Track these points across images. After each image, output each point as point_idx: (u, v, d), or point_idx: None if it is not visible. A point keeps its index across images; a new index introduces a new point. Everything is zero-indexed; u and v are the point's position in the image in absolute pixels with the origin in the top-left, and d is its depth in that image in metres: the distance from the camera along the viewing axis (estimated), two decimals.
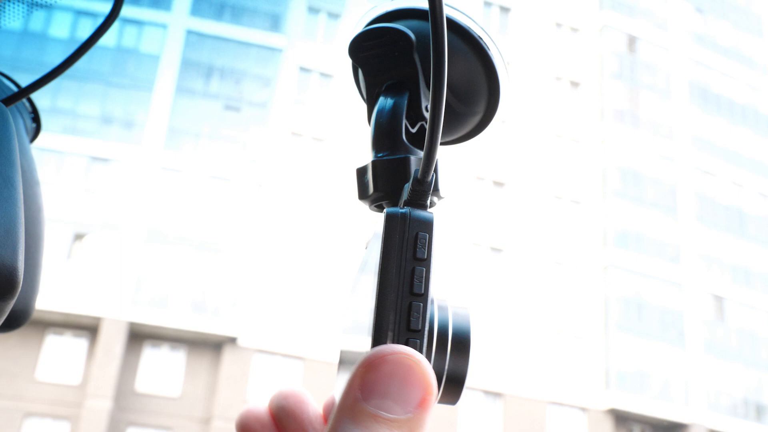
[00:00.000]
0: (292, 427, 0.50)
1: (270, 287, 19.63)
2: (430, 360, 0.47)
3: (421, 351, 0.42)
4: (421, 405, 0.38)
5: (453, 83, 0.58)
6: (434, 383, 0.39)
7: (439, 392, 0.48)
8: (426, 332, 0.42)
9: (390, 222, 0.45)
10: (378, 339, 0.42)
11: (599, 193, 22.81)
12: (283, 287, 19.66)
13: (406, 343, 0.42)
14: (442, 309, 0.51)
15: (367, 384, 0.37)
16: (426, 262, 0.44)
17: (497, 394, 20.45)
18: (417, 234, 0.45)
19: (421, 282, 0.44)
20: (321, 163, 20.71)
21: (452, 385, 0.49)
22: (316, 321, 19.41)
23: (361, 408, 0.37)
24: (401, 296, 0.43)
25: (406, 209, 0.46)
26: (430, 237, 0.45)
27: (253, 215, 19.85)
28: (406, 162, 0.54)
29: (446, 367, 0.48)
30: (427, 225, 0.46)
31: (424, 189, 0.50)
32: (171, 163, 20.16)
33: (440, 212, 0.49)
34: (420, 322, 0.43)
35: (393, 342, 0.42)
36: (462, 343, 0.50)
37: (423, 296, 0.44)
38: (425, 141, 0.48)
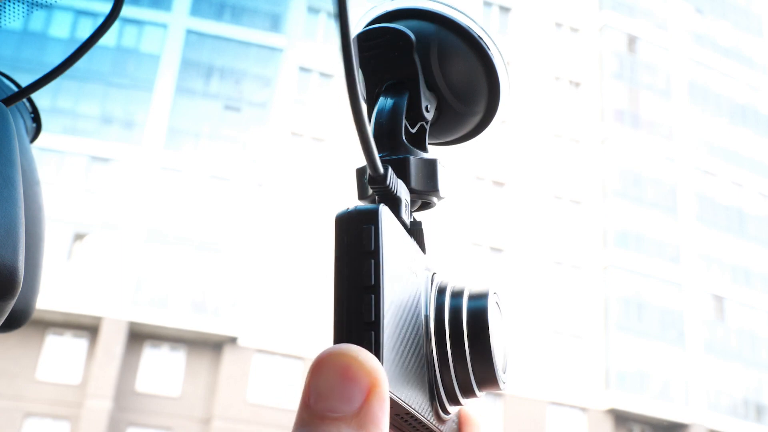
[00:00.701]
0: None
1: (270, 287, 19.63)
2: (446, 353, 0.48)
3: (377, 341, 0.42)
4: (367, 397, 0.38)
5: (453, 83, 0.58)
6: (377, 373, 0.39)
7: (470, 383, 0.49)
8: (382, 323, 0.42)
9: (337, 223, 0.45)
10: (336, 337, 0.42)
11: (599, 193, 22.80)
12: (283, 287, 19.66)
13: (361, 337, 0.42)
14: (457, 295, 0.51)
15: (311, 388, 0.38)
16: (374, 253, 0.44)
17: (497, 394, 20.45)
18: (362, 227, 0.45)
19: (370, 273, 0.43)
20: (321, 163, 20.70)
21: (482, 371, 0.49)
22: (316, 321, 19.41)
23: (310, 412, 0.38)
24: (354, 291, 0.43)
25: (352, 207, 0.46)
26: (376, 228, 0.44)
27: (253, 215, 19.85)
28: (405, 162, 0.54)
29: (468, 356, 0.49)
30: (371, 216, 0.45)
31: (366, 183, 0.51)
32: (171, 163, 20.15)
33: (397, 203, 0.49)
34: (373, 313, 0.42)
35: (348, 337, 0.42)
36: (479, 327, 0.50)
37: (374, 287, 0.43)
38: (356, 133, 0.48)
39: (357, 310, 0.42)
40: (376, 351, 0.41)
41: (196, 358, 19.54)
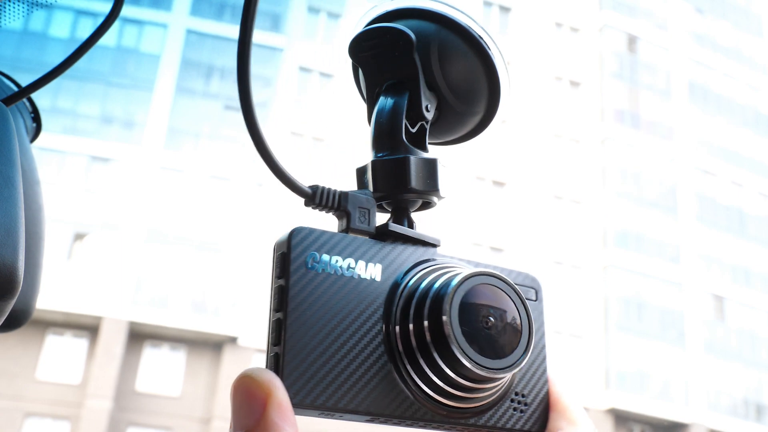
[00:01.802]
0: None
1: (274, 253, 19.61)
2: (411, 344, 0.49)
3: (279, 362, 0.46)
4: (265, 409, 0.44)
5: (453, 83, 0.58)
6: (271, 387, 0.44)
7: (443, 371, 0.48)
8: (284, 342, 0.47)
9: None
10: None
11: (599, 193, 22.80)
12: None
13: (270, 359, 0.47)
14: (426, 284, 0.51)
15: (231, 411, 0.45)
16: (283, 278, 0.48)
17: None
18: (276, 255, 0.49)
19: (279, 300, 0.48)
20: (321, 163, 20.70)
21: (449, 359, 0.48)
22: None
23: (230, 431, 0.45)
24: (270, 318, 0.48)
25: (281, 234, 0.51)
26: (284, 254, 0.48)
27: (253, 215, 19.84)
28: (405, 162, 0.54)
29: (432, 346, 0.49)
30: (282, 244, 0.49)
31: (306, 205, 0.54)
32: (171, 163, 20.15)
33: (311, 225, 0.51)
34: (278, 336, 0.47)
35: (265, 361, 0.48)
36: (436, 313, 0.49)
37: (281, 311, 0.47)
38: (266, 166, 0.52)
39: (269, 335, 0.48)
40: (280, 370, 0.46)
41: (196, 358, 19.54)
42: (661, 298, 22.27)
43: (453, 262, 0.55)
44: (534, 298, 0.56)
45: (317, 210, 0.54)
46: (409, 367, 0.49)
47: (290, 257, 0.48)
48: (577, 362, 21.07)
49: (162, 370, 19.40)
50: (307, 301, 0.48)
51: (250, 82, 0.51)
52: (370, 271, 0.51)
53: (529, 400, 0.53)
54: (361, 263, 0.51)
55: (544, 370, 0.55)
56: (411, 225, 0.56)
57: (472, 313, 0.49)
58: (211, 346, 19.56)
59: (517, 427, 0.52)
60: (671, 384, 21.58)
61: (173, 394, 19.12)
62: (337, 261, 0.50)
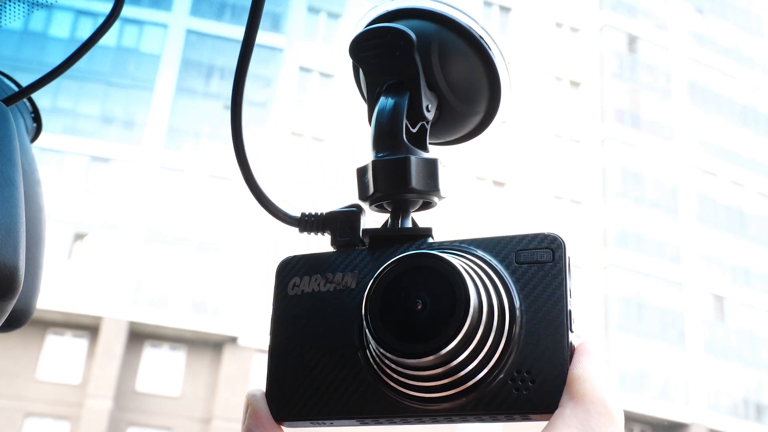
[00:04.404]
0: None
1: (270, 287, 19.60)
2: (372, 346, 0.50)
3: (267, 380, 0.53)
4: (245, 418, 0.53)
5: (454, 83, 0.58)
6: (252, 401, 0.52)
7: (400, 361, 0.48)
8: (268, 365, 0.53)
9: None
10: None
11: (599, 193, 22.79)
12: None
13: (265, 379, 0.54)
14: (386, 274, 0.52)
15: None
16: (271, 308, 0.54)
17: None
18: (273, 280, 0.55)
19: (269, 326, 0.55)
20: (321, 163, 20.69)
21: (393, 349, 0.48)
22: None
23: None
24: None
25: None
26: (274, 285, 0.54)
27: (253, 215, 19.83)
28: (406, 162, 0.54)
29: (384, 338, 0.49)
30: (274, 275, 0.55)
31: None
32: (171, 163, 20.14)
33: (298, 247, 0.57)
34: (267, 359, 0.53)
35: None
36: (374, 302, 0.51)
37: (270, 331, 0.54)
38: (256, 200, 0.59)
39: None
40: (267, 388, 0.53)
41: (196, 358, 19.53)
42: (661, 298, 22.27)
43: (437, 247, 0.54)
44: (548, 259, 0.50)
45: (310, 235, 0.57)
46: (377, 368, 0.50)
47: (275, 287, 0.53)
48: None
49: (162, 370, 19.39)
50: (285, 324, 0.52)
51: (242, 128, 0.56)
52: (346, 280, 0.52)
53: (535, 378, 0.47)
54: (338, 275, 0.52)
55: (560, 341, 0.48)
56: (412, 225, 0.56)
57: (398, 300, 0.48)
58: (211, 346, 19.56)
59: (518, 407, 0.47)
60: (671, 384, 21.58)
61: (173, 394, 19.11)
62: (315, 279, 0.52)
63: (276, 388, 0.51)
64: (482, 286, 0.48)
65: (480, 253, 0.52)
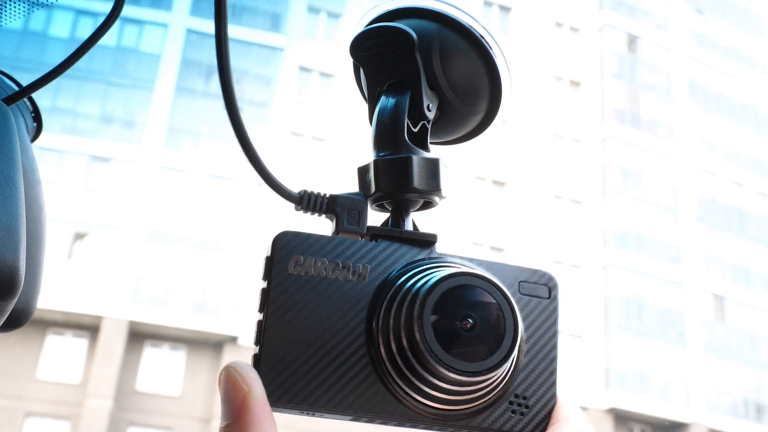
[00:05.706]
0: None
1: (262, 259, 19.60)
2: (390, 347, 0.49)
3: (259, 358, 0.49)
4: (240, 409, 0.44)
5: (455, 82, 0.57)
6: (252, 385, 0.45)
7: (418, 371, 0.48)
8: (262, 342, 0.49)
9: None
10: None
11: (599, 193, 22.79)
12: None
13: (253, 358, 0.49)
14: (410, 286, 0.50)
15: (220, 400, 0.46)
16: (267, 281, 0.50)
17: None
18: (265, 258, 0.51)
19: (261, 301, 0.50)
20: (321, 163, 20.69)
21: (418, 357, 0.47)
22: None
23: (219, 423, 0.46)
24: (257, 318, 0.50)
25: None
26: (269, 257, 0.50)
27: (253, 215, 19.84)
28: (407, 161, 0.54)
29: (406, 346, 0.48)
30: (268, 248, 0.50)
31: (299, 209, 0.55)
32: (171, 163, 20.14)
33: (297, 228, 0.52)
34: (258, 336, 0.50)
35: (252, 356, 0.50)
36: (411, 314, 0.48)
37: (264, 313, 0.49)
38: (256, 172, 0.55)
39: (255, 333, 0.50)
40: (258, 368, 0.48)
41: (196, 358, 19.53)
42: (661, 298, 22.26)
43: (449, 260, 0.54)
44: (546, 296, 0.54)
45: (307, 213, 0.55)
46: (390, 369, 0.49)
47: (273, 261, 0.49)
48: (577, 362, 21.07)
49: (162, 369, 19.39)
50: (287, 304, 0.49)
51: (235, 94, 0.54)
52: (357, 272, 0.51)
53: (530, 403, 0.51)
54: (348, 265, 0.51)
55: (552, 372, 0.53)
56: (412, 225, 0.56)
57: (449, 315, 0.48)
58: (211, 345, 19.56)
59: (516, 430, 0.51)
60: (671, 384, 21.58)
61: (173, 394, 19.11)
62: (321, 263, 0.50)
63: (270, 371, 0.49)
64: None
65: (491, 277, 0.51)
